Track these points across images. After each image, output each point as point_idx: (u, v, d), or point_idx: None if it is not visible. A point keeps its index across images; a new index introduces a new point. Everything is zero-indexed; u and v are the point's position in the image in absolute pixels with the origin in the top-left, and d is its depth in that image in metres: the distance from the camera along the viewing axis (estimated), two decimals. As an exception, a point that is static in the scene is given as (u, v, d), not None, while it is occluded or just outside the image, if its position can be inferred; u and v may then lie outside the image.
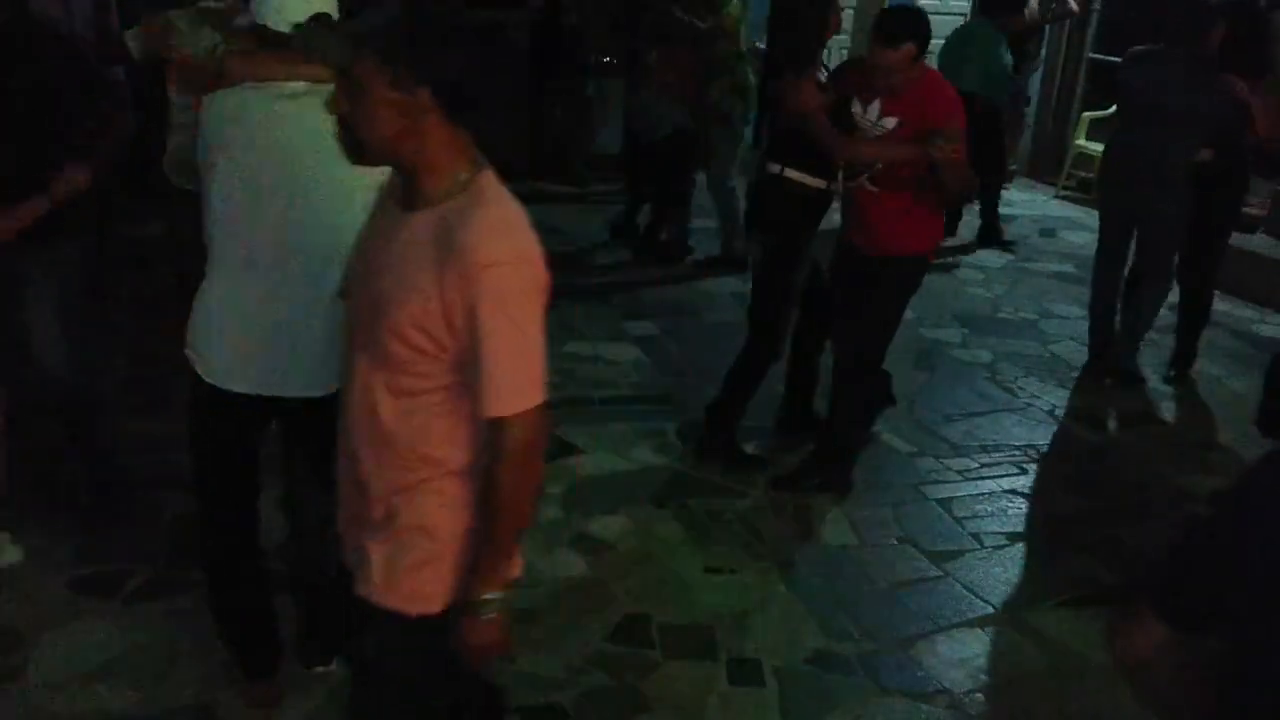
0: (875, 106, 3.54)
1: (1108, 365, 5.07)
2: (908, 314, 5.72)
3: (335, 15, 2.26)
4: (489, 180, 1.72)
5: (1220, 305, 5.59)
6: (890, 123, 3.51)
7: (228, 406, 2.33)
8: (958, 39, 6.50)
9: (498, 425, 1.67)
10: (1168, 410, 4.96)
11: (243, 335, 2.29)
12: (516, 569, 1.86)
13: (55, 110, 2.95)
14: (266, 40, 2.29)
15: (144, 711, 2.63)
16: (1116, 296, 5.08)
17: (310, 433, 2.44)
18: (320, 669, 2.83)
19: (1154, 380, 5.13)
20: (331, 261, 2.25)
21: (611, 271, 6.04)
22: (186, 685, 2.72)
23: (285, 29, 2.19)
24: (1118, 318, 5.11)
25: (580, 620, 3.08)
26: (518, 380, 1.66)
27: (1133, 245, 4.94)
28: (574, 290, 5.61)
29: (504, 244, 1.64)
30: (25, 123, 2.89)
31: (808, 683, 2.92)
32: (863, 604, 3.27)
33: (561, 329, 5.18)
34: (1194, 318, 5.22)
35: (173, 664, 2.78)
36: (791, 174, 3.77)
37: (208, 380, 2.33)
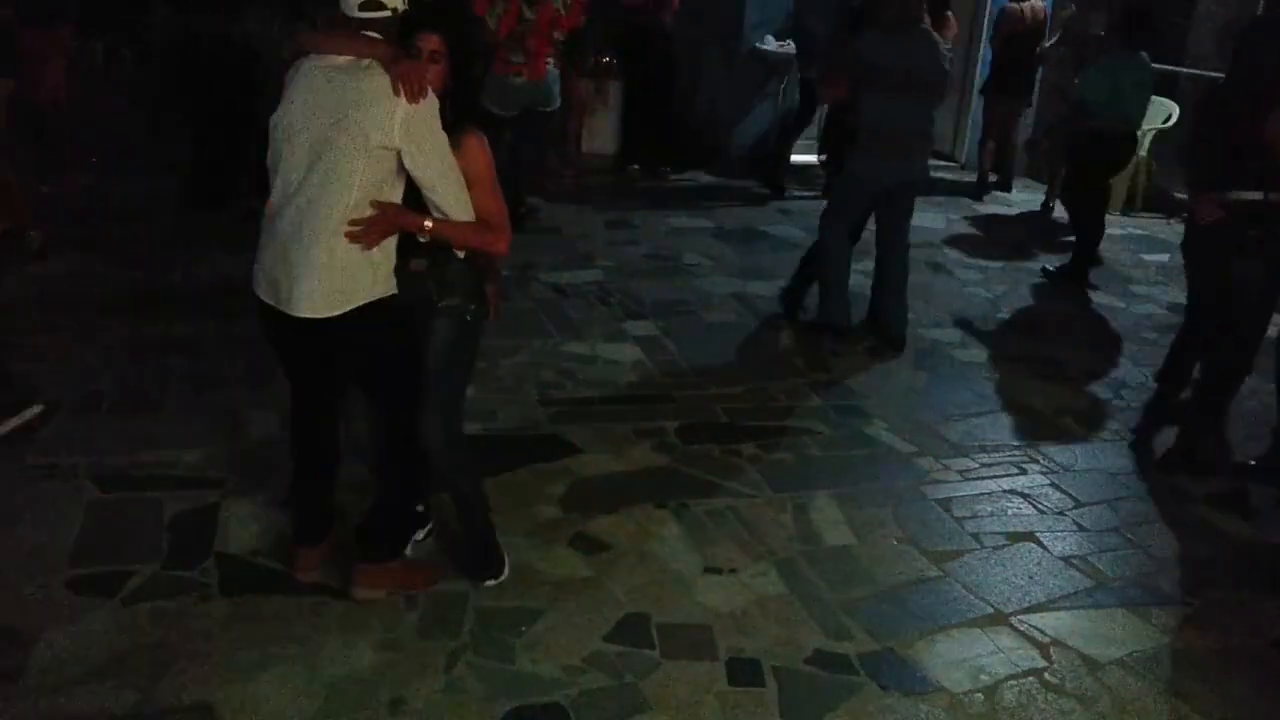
0: None
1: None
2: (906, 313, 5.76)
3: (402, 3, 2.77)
4: None
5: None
6: None
7: (274, 317, 2.83)
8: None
9: None
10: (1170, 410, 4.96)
11: (273, 259, 2.78)
12: None
13: None
14: (336, 21, 2.80)
15: (144, 711, 2.63)
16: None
17: (337, 348, 2.91)
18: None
19: (1149, 381, 5.15)
20: (350, 209, 2.71)
21: (611, 271, 6.04)
22: (186, 685, 2.71)
23: (350, 12, 2.73)
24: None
25: (580, 620, 3.08)
26: None
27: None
28: (574, 290, 5.57)
29: None
30: None
31: (808, 683, 2.92)
32: (863, 604, 3.27)
33: (561, 329, 5.19)
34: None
35: (173, 664, 2.78)
36: None
37: (258, 295, 2.85)
